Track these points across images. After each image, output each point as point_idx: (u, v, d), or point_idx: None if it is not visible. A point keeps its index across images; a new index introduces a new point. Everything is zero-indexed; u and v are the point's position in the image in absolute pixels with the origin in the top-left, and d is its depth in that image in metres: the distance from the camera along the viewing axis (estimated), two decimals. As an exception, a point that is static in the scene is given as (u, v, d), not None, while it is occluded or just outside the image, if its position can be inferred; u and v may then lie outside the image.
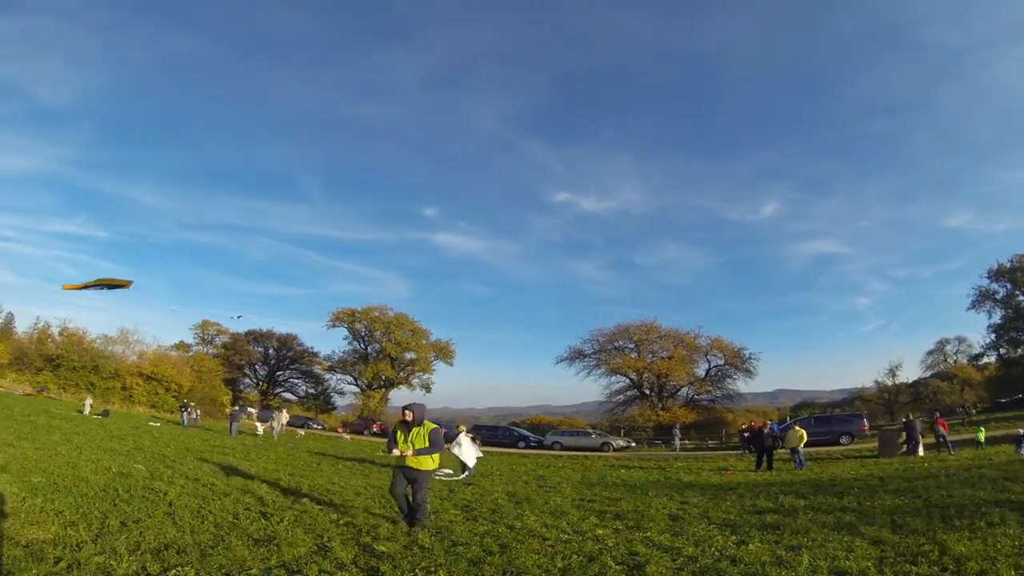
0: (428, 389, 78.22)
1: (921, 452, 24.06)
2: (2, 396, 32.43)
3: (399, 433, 9.23)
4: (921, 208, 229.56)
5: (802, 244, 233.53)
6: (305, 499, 11.63)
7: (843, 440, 33.75)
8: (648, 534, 9.01)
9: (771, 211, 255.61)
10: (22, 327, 73.29)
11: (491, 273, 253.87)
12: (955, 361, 74.75)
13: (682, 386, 67.91)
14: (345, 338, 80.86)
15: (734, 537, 8.60)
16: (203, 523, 8.54)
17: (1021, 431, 22.10)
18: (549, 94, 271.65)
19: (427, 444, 9.04)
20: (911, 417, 26.98)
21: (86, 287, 17.65)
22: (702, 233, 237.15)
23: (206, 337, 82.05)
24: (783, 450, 23.97)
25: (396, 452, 9.09)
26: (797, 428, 23.06)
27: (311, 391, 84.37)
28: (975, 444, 23.61)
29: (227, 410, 48.07)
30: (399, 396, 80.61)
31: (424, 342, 77.65)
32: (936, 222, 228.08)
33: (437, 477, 17.97)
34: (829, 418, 40.91)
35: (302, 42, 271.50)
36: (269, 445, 27.51)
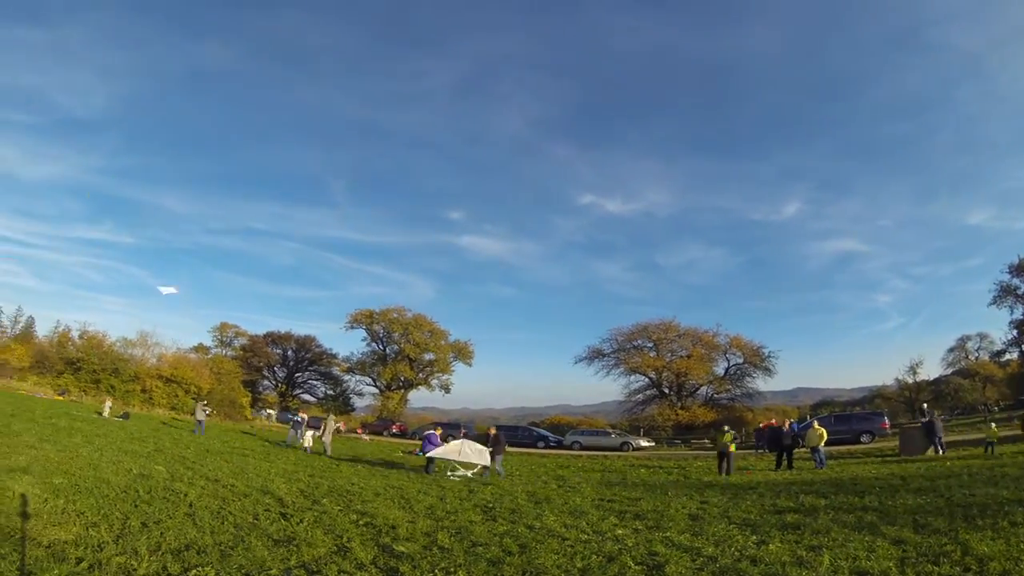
0: (447, 390, 78.46)
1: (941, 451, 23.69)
2: (24, 399, 33.07)
3: None
4: (940, 206, 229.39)
5: (822, 243, 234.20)
6: (324, 500, 11.72)
7: (864, 439, 33.45)
8: (668, 534, 9.00)
9: (792, 211, 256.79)
10: (42, 331, 74.94)
11: (514, 274, 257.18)
12: (977, 358, 73.74)
13: (701, 385, 67.41)
14: (363, 339, 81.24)
15: (754, 537, 8.56)
16: (223, 524, 8.64)
17: None
18: (576, 99, 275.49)
19: None
20: (930, 413, 26.50)
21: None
22: (724, 233, 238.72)
23: (224, 339, 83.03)
24: (803, 449, 23.77)
25: None
26: (817, 426, 22.86)
27: (330, 393, 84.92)
28: (985, 445, 23.07)
29: (246, 413, 48.82)
30: (418, 397, 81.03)
31: (443, 343, 77.73)
32: (955, 219, 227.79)
33: (454, 478, 18.04)
34: (849, 416, 40.45)
35: (330, 51, 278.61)
36: (293, 449, 27.69)
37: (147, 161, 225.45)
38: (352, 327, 79.19)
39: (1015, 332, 64.12)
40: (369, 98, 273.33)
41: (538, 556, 7.49)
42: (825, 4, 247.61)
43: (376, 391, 79.31)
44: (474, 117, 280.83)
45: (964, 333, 78.08)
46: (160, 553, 6.80)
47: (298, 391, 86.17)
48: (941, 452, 23.20)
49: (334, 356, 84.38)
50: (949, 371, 72.97)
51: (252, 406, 58.97)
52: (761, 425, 34.98)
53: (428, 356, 77.69)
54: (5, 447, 13.31)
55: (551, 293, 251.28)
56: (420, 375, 77.80)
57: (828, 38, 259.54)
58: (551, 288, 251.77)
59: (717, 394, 66.95)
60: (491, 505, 12.22)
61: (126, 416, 31.86)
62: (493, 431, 22.83)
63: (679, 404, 64.42)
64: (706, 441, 44.38)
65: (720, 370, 67.94)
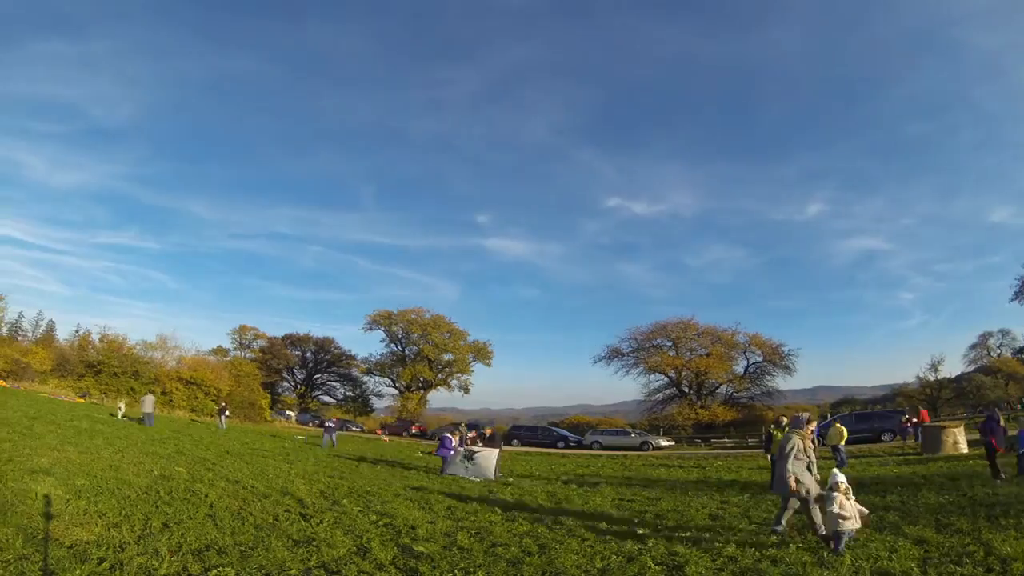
0: (466, 390, 78.77)
1: (965, 449, 23.23)
2: (46, 401, 33.70)
3: None
4: (962, 204, 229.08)
5: (845, 241, 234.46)
6: (344, 501, 11.81)
7: (885, 437, 33.05)
8: (688, 534, 8.99)
9: (815, 211, 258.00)
10: (63, 334, 76.37)
11: (538, 275, 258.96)
12: (999, 355, 72.48)
13: (721, 384, 67.16)
14: (382, 340, 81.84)
15: (775, 536, 8.53)
16: (243, 525, 8.74)
17: None
18: (600, 105, 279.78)
19: None
20: (991, 408, 25.78)
21: None
22: (747, 233, 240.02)
23: (243, 342, 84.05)
24: (824, 447, 23.55)
25: None
26: (838, 425, 22.61)
27: (349, 394, 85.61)
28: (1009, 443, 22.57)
29: (265, 416, 49.34)
30: (437, 398, 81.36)
31: (462, 343, 78.02)
32: (978, 217, 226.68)
33: (474, 479, 18.11)
34: (870, 415, 39.99)
35: (356, 60, 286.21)
36: (311, 449, 27.98)
37: (172, 168, 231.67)
38: (371, 328, 79.82)
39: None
40: (396, 105, 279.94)
41: (558, 556, 7.52)
42: (845, 7, 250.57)
43: (395, 392, 79.83)
44: (500, 123, 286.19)
45: (986, 330, 77.11)
46: (181, 553, 6.90)
47: (317, 393, 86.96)
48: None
49: (353, 357, 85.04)
50: (971, 368, 71.98)
51: (272, 408, 59.57)
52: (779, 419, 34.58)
53: (447, 356, 78.04)
54: (27, 449, 13.56)
55: (574, 294, 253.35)
56: (439, 376, 78.15)
57: (848, 40, 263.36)
58: (574, 288, 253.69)
59: (737, 393, 66.68)
60: (511, 505, 12.26)
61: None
62: (489, 431, 23.09)
63: (699, 403, 64.31)
64: (750, 441, 44.14)
65: (740, 369, 67.68)
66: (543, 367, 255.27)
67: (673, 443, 46.02)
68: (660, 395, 69.58)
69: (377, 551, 7.54)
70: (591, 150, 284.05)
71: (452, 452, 20.16)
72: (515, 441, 45.14)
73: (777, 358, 65.87)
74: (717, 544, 8.15)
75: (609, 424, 60.40)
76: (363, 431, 59.14)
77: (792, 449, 8.29)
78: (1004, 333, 73.40)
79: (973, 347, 74.72)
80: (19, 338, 71.13)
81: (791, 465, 8.18)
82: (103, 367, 47.24)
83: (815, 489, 8.13)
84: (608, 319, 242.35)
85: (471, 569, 6.90)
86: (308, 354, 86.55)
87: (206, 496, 10.96)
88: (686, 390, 67.41)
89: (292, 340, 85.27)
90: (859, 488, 13.55)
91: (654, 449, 40.95)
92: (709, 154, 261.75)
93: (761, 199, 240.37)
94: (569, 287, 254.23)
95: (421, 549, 7.75)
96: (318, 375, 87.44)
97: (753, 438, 48.42)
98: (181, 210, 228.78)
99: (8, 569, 5.72)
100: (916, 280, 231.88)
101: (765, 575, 6.67)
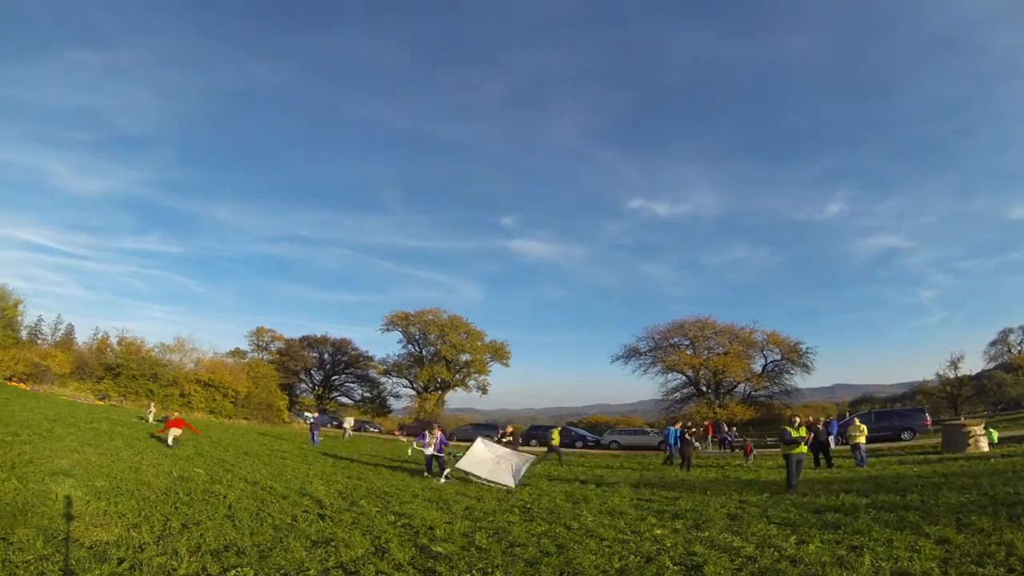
0: (484, 391, 78.85)
1: (986, 447, 22.95)
2: (65, 404, 34.23)
3: None
4: (983, 201, 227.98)
5: (865, 240, 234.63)
6: (363, 501, 11.89)
7: (905, 435, 32.66)
8: (707, 534, 8.97)
9: (836, 211, 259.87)
10: (81, 338, 77.56)
11: (561, 276, 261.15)
12: (1020, 351, 71.18)
13: (739, 382, 66.71)
14: (399, 341, 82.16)
15: (794, 537, 8.50)
16: (262, 525, 8.83)
17: None
18: (625, 108, 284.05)
19: None
20: None
21: None
22: (768, 233, 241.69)
23: (261, 344, 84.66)
24: (844, 446, 23.34)
25: None
26: (857, 423, 22.42)
27: (367, 395, 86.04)
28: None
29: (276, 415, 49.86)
30: (455, 398, 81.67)
31: (479, 343, 78.04)
32: (998, 214, 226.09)
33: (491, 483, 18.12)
34: (890, 413, 39.52)
35: (385, 67, 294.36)
36: (327, 449, 28.17)
37: (198, 173, 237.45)
38: (388, 329, 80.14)
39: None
40: (424, 110, 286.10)
41: (576, 556, 7.53)
42: (866, 10, 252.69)
43: (413, 393, 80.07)
44: (526, 127, 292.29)
45: (1006, 326, 75.78)
46: (200, 554, 6.99)
47: (335, 394, 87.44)
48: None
49: (371, 358, 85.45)
50: (991, 365, 70.65)
51: (289, 409, 60.05)
52: (809, 421, 34.43)
53: (464, 357, 78.15)
54: (48, 451, 13.79)
55: (596, 294, 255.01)
56: (457, 376, 78.29)
57: (869, 43, 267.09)
58: (595, 289, 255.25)
59: (755, 392, 66.33)
60: (529, 505, 12.29)
61: (165, 420, 32.72)
62: (511, 430, 23.39)
63: (717, 402, 64.11)
64: (769, 440, 43.94)
65: (757, 367, 67.20)
66: (562, 367, 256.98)
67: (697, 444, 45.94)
68: (678, 394, 69.48)
69: (395, 551, 7.59)
70: (615, 152, 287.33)
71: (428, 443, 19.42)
72: (533, 441, 45.14)
73: (795, 356, 65.48)
74: (736, 544, 8.12)
75: (627, 424, 60.29)
76: (381, 432, 59.47)
77: None
78: (1025, 329, 71.96)
79: (993, 344, 73.33)
80: (38, 341, 72.21)
81: None
82: (122, 370, 47.85)
83: None
84: (627, 319, 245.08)
85: (489, 569, 6.92)
86: (325, 355, 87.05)
87: (225, 497, 11.09)
88: (704, 389, 67.23)
89: (309, 342, 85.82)
90: (879, 487, 13.49)
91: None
92: (731, 155, 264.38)
93: (782, 199, 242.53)
94: (590, 287, 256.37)
95: (439, 549, 7.78)
96: (336, 376, 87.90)
97: (772, 437, 48.30)
98: (205, 215, 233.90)
99: (29, 569, 5.82)
100: (936, 277, 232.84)
101: (784, 575, 6.62)
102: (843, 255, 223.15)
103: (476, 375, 78.84)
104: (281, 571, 6.59)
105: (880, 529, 8.71)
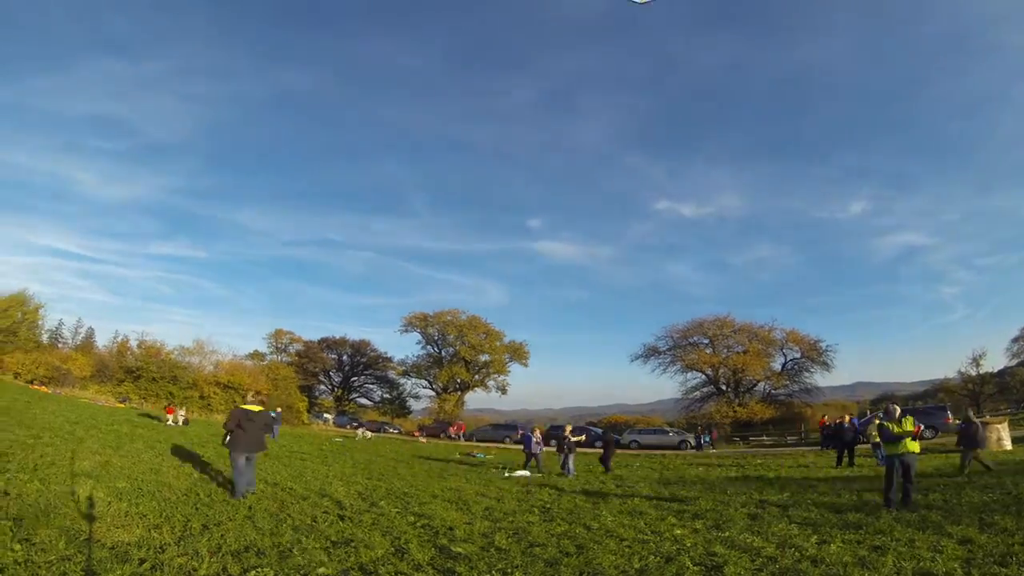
0: (503, 391, 79.09)
1: (1009, 445, 22.61)
2: (86, 407, 34.78)
3: None
4: (1004, 198, 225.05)
5: (886, 237, 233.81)
6: (382, 502, 11.98)
7: (927, 434, 32.19)
8: (727, 534, 8.97)
9: (858, 209, 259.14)
10: (102, 341, 78.78)
11: (586, 277, 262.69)
12: None
13: (758, 381, 66.85)
14: (418, 342, 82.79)
15: (815, 537, 8.49)
16: (282, 526, 8.93)
17: None
18: (652, 113, 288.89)
19: None
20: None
21: None
22: (791, 232, 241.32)
23: (280, 346, 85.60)
24: (865, 445, 23.09)
25: None
26: (878, 421, 22.16)
27: (386, 396, 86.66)
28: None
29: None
30: (475, 399, 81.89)
31: (498, 344, 78.37)
32: (1019, 211, 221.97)
33: (510, 476, 18.22)
34: (911, 411, 39.06)
35: (414, 73, 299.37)
36: (349, 449, 28.39)
37: (226, 180, 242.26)
38: (407, 330, 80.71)
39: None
40: (453, 116, 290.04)
41: (596, 556, 7.56)
42: (883, 13, 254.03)
43: (433, 393, 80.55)
44: (554, 130, 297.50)
45: None
46: (220, 554, 7.09)
47: (355, 395, 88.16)
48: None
49: (390, 360, 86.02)
50: (1014, 362, 69.60)
51: (309, 411, 60.62)
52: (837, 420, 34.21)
53: (483, 357, 78.48)
54: (70, 453, 14.03)
55: (619, 294, 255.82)
56: (476, 376, 78.61)
57: (887, 45, 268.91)
58: (619, 289, 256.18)
59: (775, 390, 66.10)
60: (549, 506, 12.34)
61: (186, 422, 33.17)
62: (539, 431, 23.65)
63: (736, 401, 64.19)
64: (789, 439, 43.67)
65: (777, 365, 67.05)
66: (582, 367, 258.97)
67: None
68: (698, 393, 69.86)
69: (415, 552, 7.64)
70: (642, 155, 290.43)
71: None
72: (552, 441, 45.20)
73: (815, 354, 65.27)
74: (757, 544, 8.12)
75: (647, 423, 60.25)
76: (400, 433, 59.83)
77: None
78: (1049, 324, 70.88)
79: (1015, 340, 72.30)
80: (59, 345, 73.48)
81: None
82: (142, 372, 48.59)
83: None
84: (650, 318, 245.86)
85: (509, 570, 6.95)
86: (344, 357, 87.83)
87: (245, 498, 11.23)
88: (724, 388, 67.35)
89: (328, 343, 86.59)
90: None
91: (692, 448, 40.82)
92: (756, 157, 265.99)
93: (805, 199, 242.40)
94: (613, 288, 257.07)
95: (459, 550, 7.83)
96: (355, 378, 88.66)
97: (792, 435, 48.03)
98: (231, 219, 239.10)
99: (52, 569, 5.94)
100: (958, 274, 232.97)
101: (805, 575, 6.60)
102: (865, 253, 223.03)
103: (495, 375, 79.27)
104: (300, 571, 6.66)
105: (902, 529, 8.71)
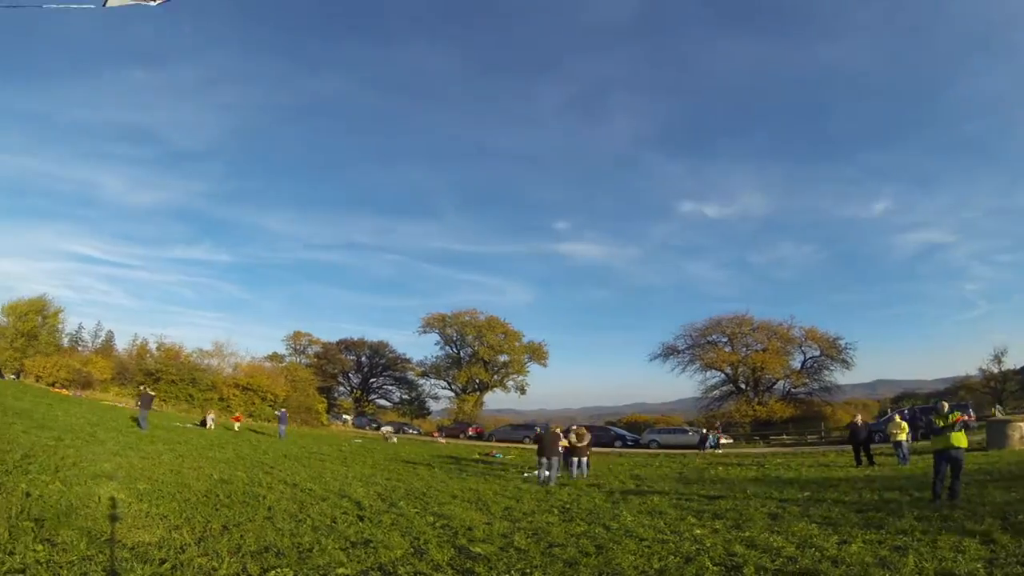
0: (523, 391, 79.00)
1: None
2: (107, 409, 35.32)
3: None
4: None
5: (908, 235, 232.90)
6: (401, 503, 12.06)
7: (972, 425, 31.78)
8: (747, 533, 8.93)
9: (881, 208, 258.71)
10: (121, 344, 79.94)
11: (607, 277, 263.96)
12: None
13: (778, 379, 65.98)
14: (437, 343, 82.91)
15: (835, 536, 8.44)
16: (301, 527, 9.03)
17: None
18: (677, 115, 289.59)
19: None
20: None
21: None
22: (813, 231, 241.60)
23: (298, 347, 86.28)
24: (885, 443, 22.85)
25: None
26: (898, 419, 21.92)
27: (405, 397, 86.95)
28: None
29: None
30: (494, 399, 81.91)
31: (517, 344, 78.22)
32: None
33: (529, 476, 18.25)
34: (930, 408, 38.48)
35: (442, 78, 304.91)
36: (367, 450, 28.59)
37: (251, 185, 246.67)
38: (425, 331, 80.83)
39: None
40: (481, 120, 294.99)
41: (615, 557, 7.57)
42: (907, 13, 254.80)
43: (452, 394, 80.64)
44: (580, 133, 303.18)
45: None
46: (240, 555, 7.18)
47: (373, 396, 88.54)
48: None
49: (408, 361, 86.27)
50: None
51: (328, 412, 61.01)
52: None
53: (502, 358, 78.40)
54: (91, 455, 14.28)
55: (641, 294, 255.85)
56: (495, 377, 78.57)
57: (911, 45, 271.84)
58: (641, 289, 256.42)
59: (794, 388, 65.42)
60: (568, 506, 12.35)
61: (204, 424, 33.57)
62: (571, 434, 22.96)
63: (756, 400, 63.57)
64: (809, 438, 43.27)
65: (796, 364, 66.30)
66: (602, 366, 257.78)
67: (731, 441, 45.95)
68: (717, 392, 69.09)
69: (434, 552, 7.69)
70: (666, 157, 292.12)
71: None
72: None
73: (834, 352, 64.40)
74: (777, 544, 8.08)
75: (666, 422, 59.95)
76: (419, 433, 60.04)
77: None
78: (1072, 320, 69.70)
79: None
80: (79, 348, 74.59)
81: None
82: (161, 375, 49.19)
83: None
84: (671, 317, 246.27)
85: (528, 570, 6.98)
86: (363, 358, 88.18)
87: (264, 499, 11.36)
88: (743, 386, 66.69)
89: (347, 345, 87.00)
90: (922, 485, 13.20)
91: (712, 447, 40.63)
92: (779, 156, 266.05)
93: (828, 197, 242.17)
94: (635, 288, 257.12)
95: (478, 550, 7.87)
96: (374, 379, 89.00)
97: (812, 434, 47.58)
98: (256, 223, 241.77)
99: (73, 569, 6.06)
100: (979, 270, 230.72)
101: (825, 576, 6.58)
102: (885, 250, 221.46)
103: (514, 376, 79.10)
104: (320, 572, 6.74)
105: (924, 528, 8.62)
